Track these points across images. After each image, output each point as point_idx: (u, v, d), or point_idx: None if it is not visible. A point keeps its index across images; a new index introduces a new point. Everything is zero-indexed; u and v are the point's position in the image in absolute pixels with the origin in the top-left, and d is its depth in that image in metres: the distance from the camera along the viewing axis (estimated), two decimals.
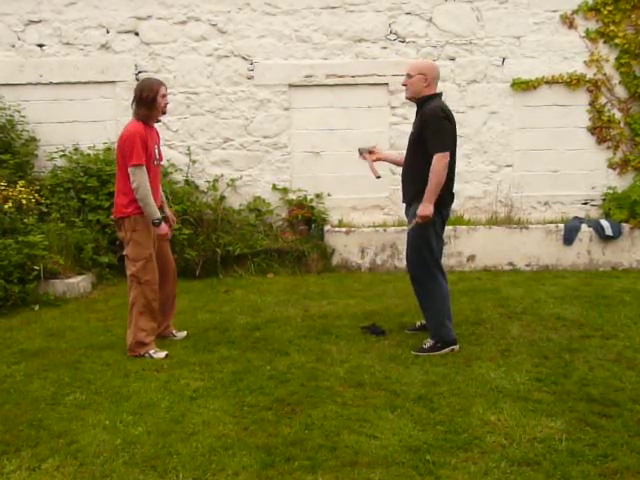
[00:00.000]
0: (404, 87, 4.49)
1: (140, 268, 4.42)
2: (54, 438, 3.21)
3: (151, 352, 4.42)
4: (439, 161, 4.16)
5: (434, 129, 4.21)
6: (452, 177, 4.35)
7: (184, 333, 4.88)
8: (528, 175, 7.87)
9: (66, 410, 3.55)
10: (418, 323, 4.87)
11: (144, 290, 4.43)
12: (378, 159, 4.96)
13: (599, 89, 7.72)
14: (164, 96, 4.52)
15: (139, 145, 4.32)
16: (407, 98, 4.52)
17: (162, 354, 4.41)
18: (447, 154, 4.17)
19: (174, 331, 4.87)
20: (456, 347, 4.36)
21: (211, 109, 7.73)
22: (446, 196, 4.36)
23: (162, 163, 4.82)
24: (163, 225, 4.42)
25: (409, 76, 4.38)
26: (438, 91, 4.43)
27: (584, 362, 4.11)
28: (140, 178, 4.30)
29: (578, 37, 7.69)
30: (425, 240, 4.33)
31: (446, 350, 4.32)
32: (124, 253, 4.59)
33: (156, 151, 4.53)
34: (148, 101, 4.43)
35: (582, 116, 7.79)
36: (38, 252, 5.92)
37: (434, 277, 4.39)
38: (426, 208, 4.19)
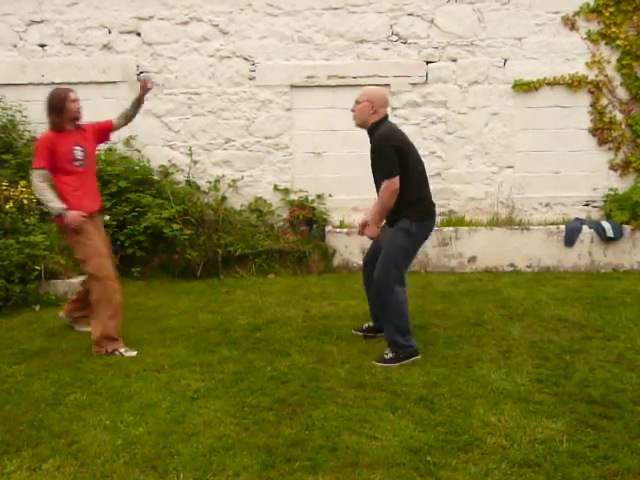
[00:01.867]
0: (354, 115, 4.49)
1: (94, 265, 4.52)
2: (55, 438, 3.21)
3: (121, 350, 4.49)
4: (387, 187, 4.21)
5: (381, 156, 4.28)
6: (425, 184, 4.41)
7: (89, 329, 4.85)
8: (529, 176, 7.87)
9: (67, 410, 3.56)
10: (366, 325, 4.86)
11: (105, 285, 4.52)
12: None
13: (600, 90, 7.72)
14: (74, 101, 4.63)
15: (41, 150, 4.51)
16: (356, 125, 4.53)
17: (133, 353, 4.47)
18: (395, 180, 4.18)
19: (83, 326, 5.03)
20: (418, 357, 4.26)
21: (213, 110, 7.73)
22: (425, 205, 4.38)
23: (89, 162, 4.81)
24: (69, 214, 4.44)
25: (357, 102, 4.43)
26: (386, 114, 4.44)
27: (585, 363, 4.11)
28: (34, 180, 4.51)
29: (580, 38, 7.69)
30: (402, 254, 4.30)
31: (408, 361, 4.19)
32: (77, 256, 4.75)
33: (77, 153, 4.59)
34: (57, 108, 4.57)
35: (583, 117, 7.79)
36: (39, 252, 5.92)
37: (395, 292, 4.27)
38: (371, 230, 4.33)
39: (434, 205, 4.47)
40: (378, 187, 4.38)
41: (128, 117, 5.04)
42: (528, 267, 7.18)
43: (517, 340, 4.61)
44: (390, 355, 4.24)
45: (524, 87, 7.73)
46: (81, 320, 5.10)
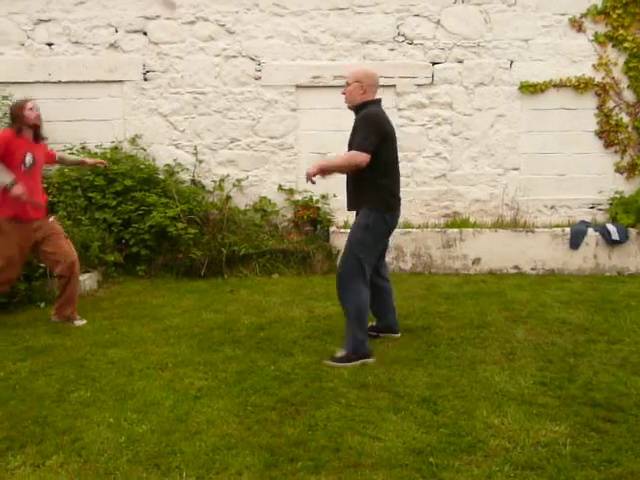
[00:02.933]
0: (345, 96, 4.47)
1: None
2: (59, 435, 3.22)
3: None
4: (352, 156, 4.19)
5: (362, 128, 4.23)
6: (396, 181, 4.40)
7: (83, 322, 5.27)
8: (535, 178, 7.86)
9: (71, 407, 3.57)
10: (369, 324, 4.63)
11: None
12: None
13: (607, 93, 7.71)
14: (31, 109, 5.02)
15: None
16: (348, 107, 4.49)
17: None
18: (364, 157, 4.12)
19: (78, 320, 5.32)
20: (370, 360, 4.19)
21: (218, 109, 7.75)
22: (389, 199, 4.35)
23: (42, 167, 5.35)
24: (16, 188, 4.81)
25: (347, 84, 4.42)
26: (378, 97, 4.45)
27: (589, 367, 4.10)
28: None
29: (587, 40, 7.68)
30: (361, 247, 4.26)
31: (358, 362, 4.14)
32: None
33: (27, 158, 4.97)
34: (15, 116, 5.02)
35: (590, 120, 7.78)
36: None
37: (356, 288, 4.24)
38: (313, 167, 4.26)
39: (399, 204, 4.48)
40: (349, 180, 4.41)
41: (64, 163, 5.96)
42: (532, 269, 7.17)
43: (521, 342, 4.61)
44: (339, 354, 4.22)
45: (530, 89, 7.72)
46: (70, 314, 5.30)
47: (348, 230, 7.17)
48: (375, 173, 4.22)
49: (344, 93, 4.46)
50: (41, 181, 5.27)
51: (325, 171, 4.29)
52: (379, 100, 4.44)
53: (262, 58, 7.69)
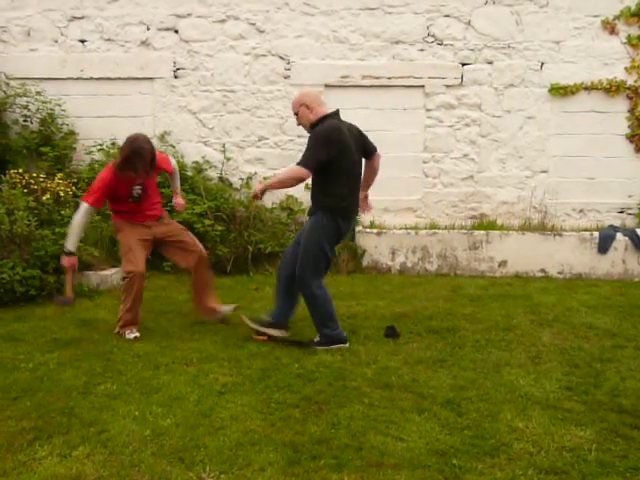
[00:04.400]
0: (300, 124, 4.58)
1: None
2: (85, 426, 3.27)
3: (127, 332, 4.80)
4: (295, 171, 4.35)
5: (309, 143, 4.37)
6: (354, 191, 4.51)
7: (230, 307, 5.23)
8: (563, 181, 7.77)
9: (97, 400, 3.62)
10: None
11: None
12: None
13: (639, 96, 7.58)
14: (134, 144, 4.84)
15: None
16: (309, 132, 4.53)
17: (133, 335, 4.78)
18: (306, 172, 4.30)
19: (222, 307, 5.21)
20: (345, 345, 4.48)
21: (247, 107, 7.79)
22: (347, 207, 4.48)
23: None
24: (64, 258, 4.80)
25: (295, 114, 4.53)
26: (332, 111, 4.50)
27: (616, 372, 4.05)
28: None
29: (619, 43, 7.57)
30: (317, 247, 4.44)
31: (334, 347, 4.44)
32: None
33: (135, 191, 4.89)
34: (121, 150, 4.85)
35: (621, 123, 7.67)
36: None
37: (315, 291, 4.49)
38: (258, 186, 4.58)
39: (355, 212, 4.63)
40: (312, 180, 4.52)
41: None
42: (559, 273, 7.09)
43: (547, 346, 4.56)
44: (316, 339, 4.53)
45: (561, 91, 7.63)
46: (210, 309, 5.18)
47: (374, 230, 7.26)
48: (332, 184, 4.40)
49: (298, 123, 4.58)
50: (156, 194, 5.16)
51: (270, 188, 4.57)
52: (336, 112, 4.52)
53: (291, 57, 7.72)
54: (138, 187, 4.85)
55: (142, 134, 4.83)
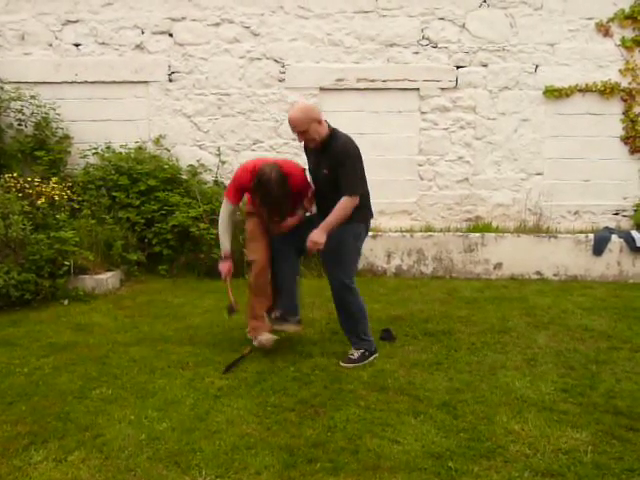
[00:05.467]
0: (307, 141, 4.30)
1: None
2: (80, 431, 3.27)
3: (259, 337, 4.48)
4: (348, 204, 4.17)
5: (348, 166, 4.17)
6: (366, 191, 4.41)
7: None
8: (558, 184, 7.79)
9: (93, 404, 3.61)
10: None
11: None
12: None
13: (634, 98, 7.61)
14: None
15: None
16: (314, 148, 4.33)
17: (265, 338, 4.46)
18: (357, 199, 4.20)
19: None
20: (377, 355, 4.40)
21: (242, 110, 7.79)
22: (370, 208, 4.49)
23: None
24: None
25: (304, 132, 4.19)
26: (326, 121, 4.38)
27: (611, 374, 4.06)
28: None
29: (613, 45, 7.59)
30: (355, 257, 4.46)
31: (371, 359, 4.31)
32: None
33: None
34: None
35: (615, 125, 7.69)
36: (69, 248, 6.02)
37: (356, 293, 4.40)
38: (320, 235, 4.15)
39: (371, 211, 4.56)
40: (324, 204, 4.32)
41: None
42: (555, 275, 7.11)
43: (542, 349, 4.57)
44: (356, 355, 4.31)
45: (555, 93, 7.65)
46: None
47: (370, 233, 7.22)
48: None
49: (305, 140, 4.28)
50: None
51: (330, 228, 4.22)
52: (332, 127, 4.37)
53: (286, 60, 7.72)
54: None
55: (274, 171, 4.19)
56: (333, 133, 4.31)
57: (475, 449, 3.05)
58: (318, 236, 4.15)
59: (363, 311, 4.44)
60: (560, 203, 7.79)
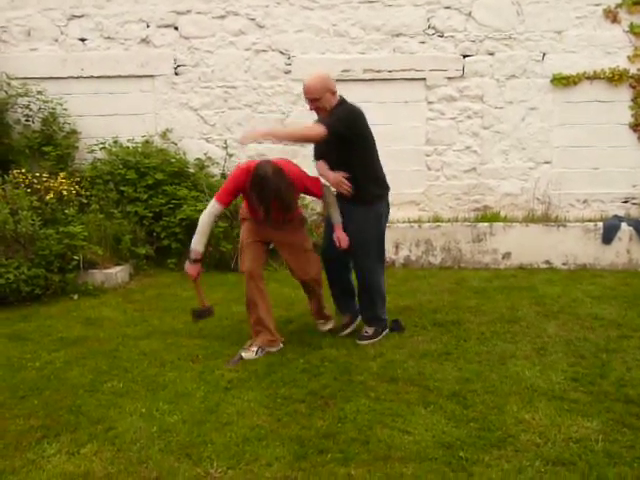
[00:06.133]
0: (318, 110, 4.31)
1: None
2: (92, 424, 3.29)
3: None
4: (314, 127, 4.20)
5: (336, 114, 4.21)
6: (380, 169, 4.47)
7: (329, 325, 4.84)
8: (567, 172, 7.75)
9: (104, 397, 3.63)
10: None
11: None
12: None
13: None
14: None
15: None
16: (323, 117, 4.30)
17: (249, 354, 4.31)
18: (322, 131, 4.08)
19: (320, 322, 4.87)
20: (387, 331, 4.64)
21: (248, 103, 7.78)
22: (385, 182, 4.52)
23: None
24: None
25: (316, 100, 4.22)
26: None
27: (622, 363, 4.04)
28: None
29: (621, 32, 7.52)
30: (382, 237, 4.49)
31: (383, 334, 4.58)
32: None
33: None
34: None
35: (624, 112, 7.63)
36: (78, 242, 6.04)
37: (380, 274, 4.53)
38: (260, 130, 4.35)
39: (387, 185, 4.59)
40: (332, 164, 4.33)
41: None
42: (564, 264, 7.08)
43: (552, 338, 4.56)
44: (370, 331, 4.53)
45: (563, 81, 7.60)
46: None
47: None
48: (370, 165, 4.41)
49: (315, 108, 4.29)
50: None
51: (276, 136, 4.29)
52: (342, 98, 4.40)
53: (292, 52, 7.70)
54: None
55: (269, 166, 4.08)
56: (340, 103, 4.33)
57: (486, 439, 3.05)
58: (253, 131, 4.34)
59: (384, 293, 4.60)
60: (569, 192, 7.75)
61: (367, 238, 4.40)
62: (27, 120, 7.52)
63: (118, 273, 6.44)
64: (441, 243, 7.19)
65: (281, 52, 7.72)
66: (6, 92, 7.44)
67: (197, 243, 4.27)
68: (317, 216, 7.68)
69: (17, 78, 7.49)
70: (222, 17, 7.68)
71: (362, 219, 4.35)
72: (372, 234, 4.41)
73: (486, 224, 7.21)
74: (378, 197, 4.44)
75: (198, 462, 2.89)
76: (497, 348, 4.35)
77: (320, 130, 4.13)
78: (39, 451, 3.03)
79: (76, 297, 5.93)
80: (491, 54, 7.64)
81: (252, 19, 7.67)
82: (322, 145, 4.34)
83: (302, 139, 4.26)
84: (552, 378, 3.78)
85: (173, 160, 7.45)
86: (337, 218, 4.39)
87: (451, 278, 6.53)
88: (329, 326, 4.81)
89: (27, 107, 7.45)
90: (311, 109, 4.37)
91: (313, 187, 4.35)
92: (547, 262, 7.09)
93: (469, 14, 7.59)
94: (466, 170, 7.81)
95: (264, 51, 7.71)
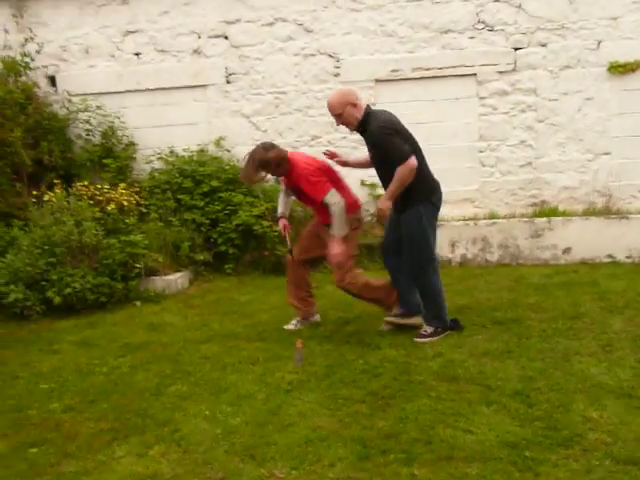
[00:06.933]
0: (345, 125, 4.50)
1: None
2: (159, 426, 3.38)
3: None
4: (404, 167, 4.27)
5: (384, 149, 4.33)
6: (426, 164, 4.50)
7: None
8: (628, 163, 7.50)
9: (169, 400, 3.73)
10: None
11: None
12: (346, 164, 5.15)
13: None
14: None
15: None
16: (355, 130, 4.53)
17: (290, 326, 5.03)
18: (411, 161, 4.26)
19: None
20: (448, 332, 4.59)
21: (299, 107, 7.84)
22: (431, 182, 4.54)
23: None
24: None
25: (339, 116, 4.41)
26: (367, 104, 4.51)
27: None
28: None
29: None
30: (424, 237, 4.48)
31: (442, 335, 4.53)
32: None
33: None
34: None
35: None
36: (139, 251, 6.22)
37: (429, 274, 4.54)
38: (384, 203, 4.40)
39: (437, 182, 4.59)
40: (384, 181, 4.50)
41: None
42: (628, 258, 6.85)
43: (618, 334, 4.42)
44: (429, 330, 4.54)
45: (620, 69, 7.37)
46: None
47: (441, 222, 7.12)
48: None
49: (342, 124, 4.50)
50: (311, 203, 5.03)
51: (393, 196, 4.40)
52: (368, 107, 4.48)
53: (340, 54, 7.72)
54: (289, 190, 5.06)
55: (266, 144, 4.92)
56: (367, 115, 4.41)
57: (552, 438, 2.99)
58: (382, 203, 4.42)
59: (440, 292, 4.61)
60: (630, 182, 7.50)
61: (414, 238, 4.48)
62: (88, 134, 7.78)
63: (178, 279, 6.58)
64: (498, 240, 7.08)
65: (330, 55, 7.75)
66: (67, 109, 7.73)
67: (277, 207, 5.18)
68: (371, 217, 7.66)
69: (77, 95, 7.77)
70: (271, 24, 7.77)
71: (407, 222, 4.48)
72: (417, 234, 4.46)
73: (544, 219, 7.06)
74: (418, 198, 4.43)
75: (262, 463, 2.94)
76: (560, 345, 4.25)
77: (408, 163, 4.27)
78: (109, 453, 3.13)
79: (139, 304, 6.10)
80: (543, 45, 7.47)
81: (300, 24, 7.73)
82: (368, 149, 4.58)
83: (405, 182, 4.33)
84: (620, 375, 3.67)
85: (227, 167, 7.57)
86: (334, 230, 4.56)
87: (509, 275, 6.42)
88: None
89: (87, 122, 7.71)
90: (337, 124, 4.57)
91: (311, 192, 4.70)
92: (610, 256, 6.89)
93: (519, 6, 7.45)
94: (521, 165, 7.66)
95: (313, 55, 7.76)
